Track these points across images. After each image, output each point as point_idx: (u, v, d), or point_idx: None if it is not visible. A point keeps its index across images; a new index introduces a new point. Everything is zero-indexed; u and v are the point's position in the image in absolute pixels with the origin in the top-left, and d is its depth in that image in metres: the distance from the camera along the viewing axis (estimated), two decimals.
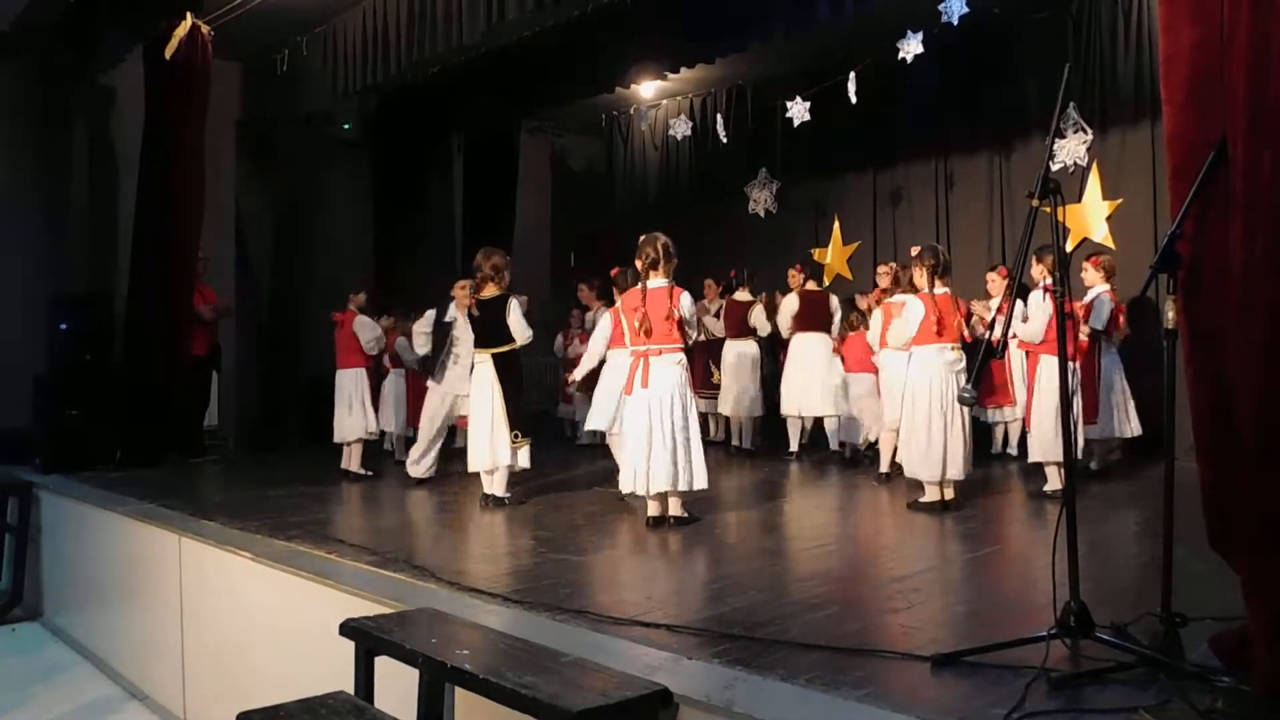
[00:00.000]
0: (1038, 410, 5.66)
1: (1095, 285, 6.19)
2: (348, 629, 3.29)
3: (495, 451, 5.68)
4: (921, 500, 5.28)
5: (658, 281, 4.99)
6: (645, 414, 4.87)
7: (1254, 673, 2.31)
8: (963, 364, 5.29)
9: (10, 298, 7.82)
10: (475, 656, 2.86)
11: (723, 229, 10.23)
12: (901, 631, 3.11)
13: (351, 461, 7.06)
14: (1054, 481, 5.55)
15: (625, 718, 2.53)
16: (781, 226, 9.95)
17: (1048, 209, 2.88)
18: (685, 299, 5.03)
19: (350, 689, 3.22)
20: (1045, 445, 5.58)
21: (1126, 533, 4.87)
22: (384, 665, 3.22)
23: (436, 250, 10.21)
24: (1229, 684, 2.38)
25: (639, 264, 5.04)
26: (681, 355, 5.00)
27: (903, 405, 5.50)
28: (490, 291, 5.80)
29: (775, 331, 7.75)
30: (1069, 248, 6.96)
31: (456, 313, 6.42)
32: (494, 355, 5.76)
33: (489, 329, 5.78)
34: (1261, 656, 2.29)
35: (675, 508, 4.97)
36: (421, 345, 6.84)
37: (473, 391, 5.85)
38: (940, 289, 5.38)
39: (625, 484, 4.97)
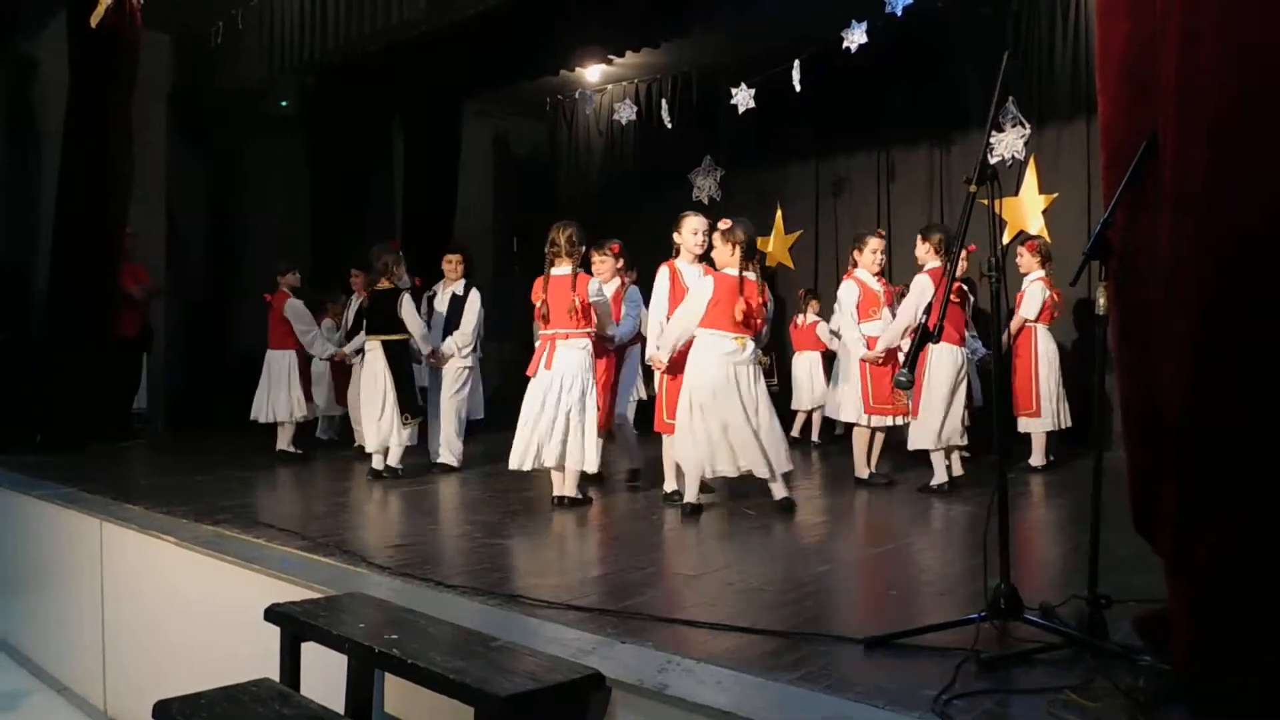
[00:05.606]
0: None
1: (1031, 271, 6.20)
2: (273, 614, 3.20)
3: (386, 431, 6.03)
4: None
5: (561, 269, 5.06)
6: (542, 393, 4.97)
7: (1174, 652, 2.36)
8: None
9: None
10: (404, 641, 2.80)
11: (667, 216, 10.10)
12: (835, 615, 3.12)
13: (282, 441, 7.06)
14: (940, 474, 5.30)
15: (556, 702, 2.49)
16: (725, 214, 9.90)
17: (985, 201, 2.90)
18: (592, 285, 5.08)
19: (276, 676, 3.14)
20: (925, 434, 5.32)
21: (1058, 519, 4.97)
22: (311, 652, 3.14)
23: (374, 233, 9.91)
24: (1150, 663, 2.42)
25: (547, 251, 5.11)
26: (586, 341, 5.05)
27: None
28: (384, 285, 6.15)
29: None
30: (1004, 240, 7.02)
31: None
32: (384, 343, 6.11)
33: (381, 319, 6.16)
34: (1181, 636, 2.33)
35: (563, 487, 5.05)
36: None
37: (364, 376, 6.20)
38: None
39: (514, 459, 5.02)
